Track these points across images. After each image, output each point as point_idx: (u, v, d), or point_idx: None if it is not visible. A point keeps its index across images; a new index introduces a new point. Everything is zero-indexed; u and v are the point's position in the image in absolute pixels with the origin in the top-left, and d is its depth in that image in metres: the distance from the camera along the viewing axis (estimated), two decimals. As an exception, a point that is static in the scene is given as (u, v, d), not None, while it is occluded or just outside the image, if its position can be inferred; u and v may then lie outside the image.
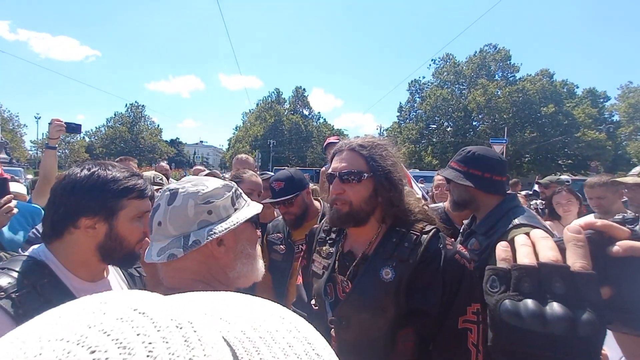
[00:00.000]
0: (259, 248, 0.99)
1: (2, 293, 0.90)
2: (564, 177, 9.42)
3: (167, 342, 0.22)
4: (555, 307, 0.38)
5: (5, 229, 2.01)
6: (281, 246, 2.14)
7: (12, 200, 1.68)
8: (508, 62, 36.26)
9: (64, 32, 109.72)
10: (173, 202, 0.84)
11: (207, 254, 0.85)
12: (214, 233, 0.83)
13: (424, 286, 1.08)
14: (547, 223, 3.87)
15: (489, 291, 0.43)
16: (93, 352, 0.21)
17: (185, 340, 0.23)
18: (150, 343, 0.22)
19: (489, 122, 34.40)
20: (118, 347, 0.21)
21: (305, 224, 2.09)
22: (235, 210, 0.90)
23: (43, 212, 2.41)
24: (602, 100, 34.12)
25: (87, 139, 47.82)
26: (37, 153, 38.10)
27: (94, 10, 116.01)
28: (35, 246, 1.10)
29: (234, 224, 0.86)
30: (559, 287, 0.39)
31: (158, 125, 52.52)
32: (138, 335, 0.22)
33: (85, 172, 1.07)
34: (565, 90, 33.89)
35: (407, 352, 1.10)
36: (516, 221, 1.49)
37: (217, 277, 0.88)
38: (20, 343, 0.22)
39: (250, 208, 0.93)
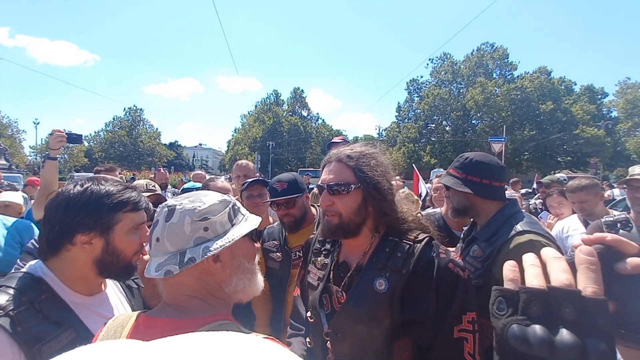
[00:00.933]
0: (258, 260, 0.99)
1: (1, 311, 0.90)
2: (561, 175, 9.35)
3: None
4: (564, 335, 0.36)
5: None
6: (278, 254, 2.14)
7: None
8: (506, 60, 36.25)
9: (63, 37, 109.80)
10: (170, 218, 0.85)
11: (204, 270, 0.86)
12: (210, 250, 0.83)
13: (417, 296, 1.08)
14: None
15: (495, 313, 0.41)
16: None
17: None
18: None
19: (487, 120, 34.37)
20: None
21: (301, 229, 2.11)
22: (233, 225, 0.90)
23: (36, 226, 2.42)
24: (600, 96, 34.12)
25: (86, 144, 47.74)
26: (36, 158, 38.09)
27: (92, 14, 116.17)
28: (32, 262, 1.10)
29: (230, 241, 0.86)
30: (569, 312, 0.37)
31: (157, 129, 52.55)
32: None
33: (79, 188, 1.07)
34: (563, 87, 33.91)
35: None
36: (519, 227, 1.48)
37: (213, 293, 0.88)
38: None
39: (248, 223, 0.93)
